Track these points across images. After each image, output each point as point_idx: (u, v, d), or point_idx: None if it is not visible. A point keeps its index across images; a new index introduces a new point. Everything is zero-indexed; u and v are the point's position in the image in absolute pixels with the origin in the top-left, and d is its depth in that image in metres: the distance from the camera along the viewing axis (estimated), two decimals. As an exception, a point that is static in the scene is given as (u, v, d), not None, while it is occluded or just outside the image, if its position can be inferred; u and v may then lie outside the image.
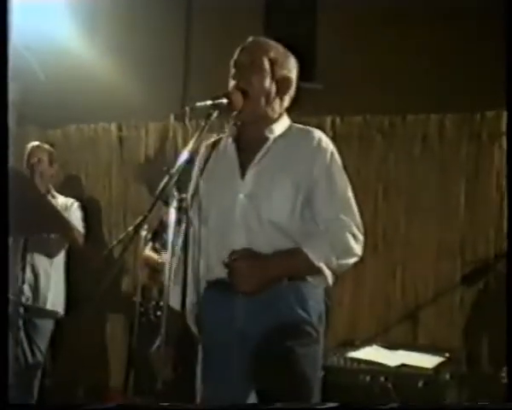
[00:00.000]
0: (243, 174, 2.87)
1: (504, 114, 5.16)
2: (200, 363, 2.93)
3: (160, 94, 6.02)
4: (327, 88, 5.36)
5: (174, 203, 2.59)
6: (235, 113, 2.87)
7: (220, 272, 2.83)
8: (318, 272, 2.80)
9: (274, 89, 2.91)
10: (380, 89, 5.29)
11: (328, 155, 2.89)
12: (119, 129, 6.01)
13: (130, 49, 5.96)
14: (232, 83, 2.91)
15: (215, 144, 3.03)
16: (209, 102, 2.74)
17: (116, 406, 2.41)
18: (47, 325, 5.08)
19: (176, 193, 2.62)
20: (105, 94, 5.61)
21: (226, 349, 2.84)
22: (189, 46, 6.61)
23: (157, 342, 2.80)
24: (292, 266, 2.82)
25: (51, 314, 5.05)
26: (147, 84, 5.88)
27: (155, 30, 6.00)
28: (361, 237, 2.87)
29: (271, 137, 2.91)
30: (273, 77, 2.90)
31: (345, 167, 2.96)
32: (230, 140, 2.96)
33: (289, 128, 2.96)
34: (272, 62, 2.90)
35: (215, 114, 2.74)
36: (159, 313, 4.53)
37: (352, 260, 2.87)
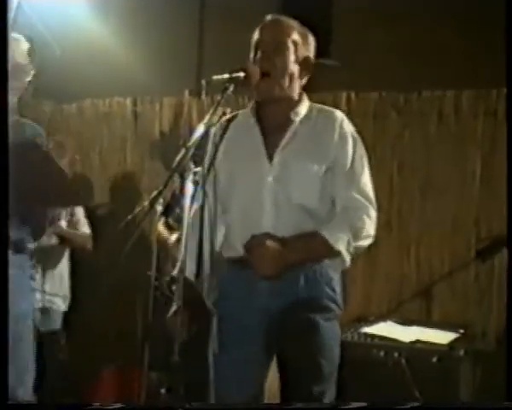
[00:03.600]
0: (271, 157, 2.89)
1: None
2: (216, 336, 2.95)
3: (175, 69, 5.99)
4: (342, 64, 5.31)
5: (190, 177, 2.62)
6: (257, 92, 2.91)
7: (240, 251, 2.88)
8: (337, 254, 2.84)
9: (296, 69, 2.93)
10: (395, 65, 5.25)
11: (350, 139, 2.93)
12: (134, 104, 6.03)
13: (145, 25, 5.93)
14: (253, 63, 2.91)
15: (231, 120, 3.03)
16: (226, 76, 2.76)
17: (118, 407, 2.41)
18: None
19: (192, 167, 2.64)
20: (120, 69, 5.60)
21: (248, 323, 2.88)
22: (203, 21, 6.57)
23: (173, 308, 2.84)
24: (311, 250, 2.86)
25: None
26: (161, 60, 5.86)
27: (170, 5, 5.96)
28: (375, 219, 2.92)
29: (297, 119, 2.94)
30: (296, 58, 2.92)
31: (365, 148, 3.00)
32: (253, 120, 2.98)
33: (311, 109, 2.99)
34: (295, 43, 2.92)
35: (231, 88, 2.75)
36: (174, 287, 4.55)
37: (368, 241, 2.92)
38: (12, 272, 3.14)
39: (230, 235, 2.96)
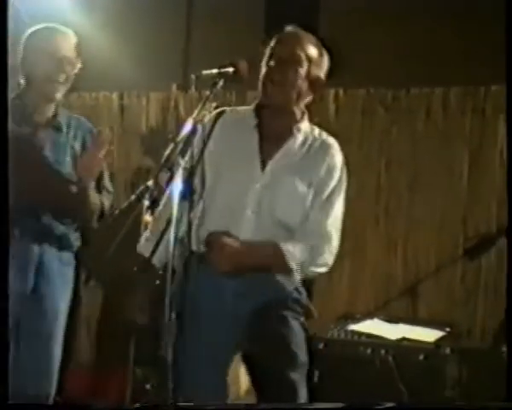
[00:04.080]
0: (264, 165, 2.92)
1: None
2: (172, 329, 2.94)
3: (162, 64, 5.98)
4: (330, 62, 5.30)
5: (179, 171, 2.61)
6: (264, 96, 2.92)
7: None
8: (289, 271, 2.89)
9: (306, 87, 2.95)
10: (383, 62, 5.26)
11: (337, 172, 2.98)
12: (121, 98, 5.99)
13: (131, 20, 5.91)
14: (266, 72, 2.93)
15: (221, 115, 3.02)
16: (215, 71, 2.76)
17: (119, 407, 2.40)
18: None
19: (181, 161, 2.64)
20: (107, 64, 5.57)
21: (213, 317, 2.89)
22: (191, 16, 6.56)
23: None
24: (267, 258, 2.90)
25: None
26: (148, 55, 5.84)
27: (155, 2, 5.95)
28: (336, 252, 2.98)
29: (298, 135, 2.97)
30: (307, 74, 2.93)
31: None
32: (254, 123, 2.98)
33: (310, 131, 3.02)
34: (309, 59, 2.92)
35: (221, 83, 2.75)
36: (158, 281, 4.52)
37: (324, 269, 2.98)
38: (53, 265, 3.13)
39: (203, 231, 2.94)
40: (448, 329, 4.49)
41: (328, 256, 2.94)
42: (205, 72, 2.77)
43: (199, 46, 5.98)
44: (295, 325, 2.93)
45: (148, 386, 4.58)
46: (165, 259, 2.65)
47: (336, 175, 2.97)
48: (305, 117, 3.04)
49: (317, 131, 3.04)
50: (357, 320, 4.62)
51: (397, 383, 4.10)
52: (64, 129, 3.21)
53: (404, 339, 4.31)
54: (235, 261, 2.81)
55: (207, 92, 2.74)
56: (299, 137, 2.97)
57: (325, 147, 2.99)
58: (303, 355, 2.95)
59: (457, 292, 5.14)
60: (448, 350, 4.29)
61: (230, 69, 2.78)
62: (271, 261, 2.89)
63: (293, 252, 2.86)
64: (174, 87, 5.86)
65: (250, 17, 5.35)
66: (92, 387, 5.09)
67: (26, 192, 2.93)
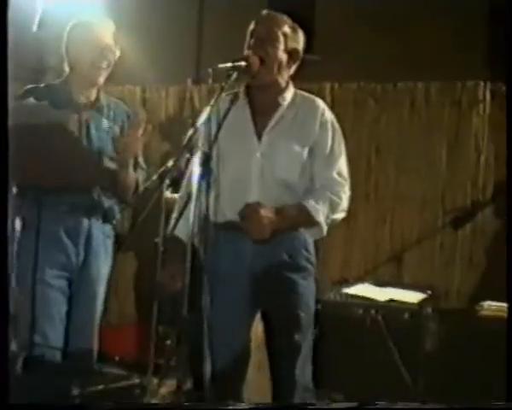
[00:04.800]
0: (259, 136, 2.89)
1: (481, 84, 5.18)
2: (207, 291, 2.93)
3: (178, 62, 5.96)
4: (326, 58, 5.29)
5: (198, 153, 2.58)
6: (251, 76, 2.87)
7: (231, 216, 2.87)
8: (317, 224, 2.88)
9: (285, 59, 2.91)
10: (374, 59, 5.24)
11: (330, 126, 2.95)
12: (143, 91, 5.97)
13: (152, 24, 5.88)
14: (248, 51, 2.89)
15: (232, 101, 3.00)
16: (229, 65, 2.75)
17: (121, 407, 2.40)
18: None
19: (200, 144, 2.63)
20: (130, 62, 5.54)
21: (234, 279, 2.89)
22: (202, 20, 6.53)
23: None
24: (296, 219, 2.87)
25: None
26: (166, 55, 5.81)
27: (170, 6, 5.91)
28: (349, 196, 2.96)
29: (284, 104, 2.93)
30: (285, 48, 2.90)
31: (343, 131, 3.00)
32: (244, 102, 2.95)
33: (295, 96, 2.98)
34: (285, 35, 2.90)
35: (234, 76, 2.74)
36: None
37: (342, 215, 2.98)
38: (98, 237, 3.10)
39: (220, 202, 2.92)
40: (429, 291, 4.49)
41: (344, 202, 2.93)
42: (220, 65, 2.75)
43: (210, 47, 5.96)
44: (303, 286, 2.92)
45: (168, 342, 4.56)
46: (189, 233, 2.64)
47: (330, 129, 2.94)
48: (290, 86, 2.99)
49: (303, 94, 3.01)
50: (350, 284, 4.62)
51: (385, 339, 4.11)
52: (105, 111, 3.17)
53: (391, 300, 4.31)
54: (271, 229, 2.78)
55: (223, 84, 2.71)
56: (286, 105, 2.93)
57: (314, 108, 2.96)
58: (308, 317, 2.95)
59: (437, 260, 5.14)
60: (429, 310, 4.31)
61: (243, 63, 2.78)
62: (300, 220, 2.87)
63: (316, 206, 2.84)
64: (189, 82, 5.87)
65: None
66: (122, 343, 5.10)
67: (72, 171, 2.90)
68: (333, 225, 2.97)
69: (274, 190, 2.86)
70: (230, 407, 2.61)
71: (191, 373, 3.98)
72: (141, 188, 3.16)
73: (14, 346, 2.86)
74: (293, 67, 2.98)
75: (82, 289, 3.11)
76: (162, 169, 2.62)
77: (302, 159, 2.88)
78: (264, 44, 2.86)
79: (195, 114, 2.86)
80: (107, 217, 3.12)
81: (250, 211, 2.79)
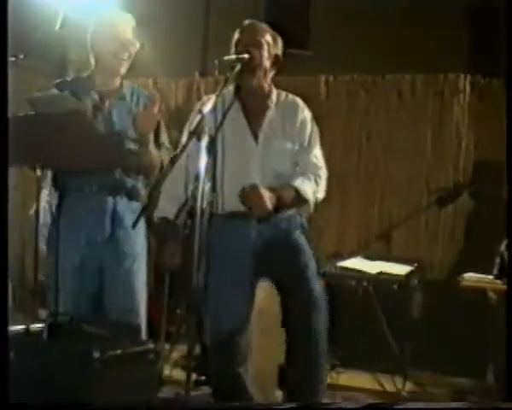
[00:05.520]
0: (256, 136, 2.89)
1: (462, 77, 5.14)
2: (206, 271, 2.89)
3: (186, 57, 5.90)
4: (321, 53, 5.23)
5: (205, 138, 2.54)
6: (241, 81, 2.85)
7: (233, 207, 2.84)
8: (306, 202, 2.88)
9: (269, 64, 2.90)
10: (365, 54, 5.19)
11: (309, 122, 2.97)
12: (155, 82, 5.90)
13: (162, 22, 5.79)
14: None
15: (238, 91, 2.95)
16: (234, 57, 2.73)
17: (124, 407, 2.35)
18: None
19: (207, 130, 2.59)
20: (143, 55, 5.44)
21: (237, 256, 2.85)
22: (209, 18, 6.46)
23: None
24: (290, 197, 2.86)
25: None
26: (176, 50, 5.73)
27: (178, 5, 5.83)
28: (325, 177, 2.98)
29: (272, 105, 2.93)
30: (268, 55, 2.88)
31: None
32: (237, 105, 2.91)
33: (279, 96, 2.98)
34: (268, 43, 2.88)
35: (238, 67, 2.71)
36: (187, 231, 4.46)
37: (323, 194, 2.97)
38: (125, 214, 3.04)
39: (224, 193, 2.87)
40: (415, 264, 4.47)
41: (324, 183, 2.96)
42: (226, 57, 2.73)
43: (215, 42, 5.89)
44: (304, 244, 2.92)
45: (178, 311, 4.52)
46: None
47: (309, 125, 2.97)
48: (273, 88, 2.98)
49: (283, 94, 3.00)
50: (344, 258, 4.59)
51: (375, 307, 4.09)
52: (128, 98, 3.11)
53: (381, 273, 4.31)
54: (271, 205, 2.76)
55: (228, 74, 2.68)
56: (273, 108, 2.94)
57: (294, 107, 2.97)
58: (311, 267, 2.92)
59: (422, 236, 5.10)
60: (416, 281, 4.33)
61: (246, 56, 2.75)
62: (293, 199, 2.86)
63: (304, 186, 2.85)
64: (197, 74, 5.82)
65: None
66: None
67: (90, 156, 2.84)
68: (330, 200, 2.98)
69: (272, 181, 2.85)
70: (231, 408, 2.56)
71: (199, 340, 3.97)
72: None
73: (42, 315, 2.84)
74: (274, 71, 2.97)
75: (114, 266, 3.01)
76: (176, 152, 2.65)
77: (291, 151, 2.91)
78: (250, 53, 2.82)
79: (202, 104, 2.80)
80: (132, 195, 3.04)
81: (249, 191, 2.77)
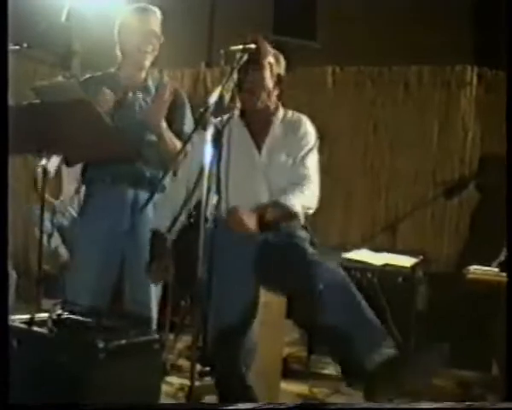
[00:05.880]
0: (260, 150, 2.89)
1: (469, 68, 5.12)
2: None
3: (193, 47, 5.89)
4: (329, 44, 5.21)
5: (211, 128, 2.53)
6: (242, 103, 2.85)
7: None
8: (295, 215, 2.82)
9: (272, 84, 2.89)
10: (371, 45, 5.16)
11: (309, 136, 2.94)
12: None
13: (169, 15, 5.75)
14: (238, 83, 2.80)
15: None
16: (240, 47, 2.68)
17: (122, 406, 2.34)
18: None
19: (212, 119, 2.59)
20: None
21: (241, 258, 2.80)
22: (215, 9, 6.45)
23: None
24: (276, 213, 2.80)
25: None
26: (182, 40, 5.72)
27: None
28: (317, 194, 2.90)
29: (276, 122, 2.94)
30: (271, 75, 2.88)
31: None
32: (242, 125, 2.92)
33: (285, 115, 2.98)
34: (270, 64, 2.87)
35: (245, 57, 2.67)
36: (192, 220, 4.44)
37: (314, 204, 2.90)
38: (149, 208, 3.00)
39: (229, 199, 2.86)
40: (421, 257, 4.44)
41: (315, 192, 2.90)
42: (232, 47, 2.69)
43: (221, 34, 5.88)
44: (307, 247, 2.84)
45: (182, 302, 4.52)
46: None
47: (310, 138, 2.94)
48: (279, 106, 2.99)
49: (290, 113, 3.00)
50: (348, 250, 4.57)
51: (380, 299, 4.07)
52: (152, 90, 3.10)
53: (386, 265, 4.29)
54: (253, 224, 2.73)
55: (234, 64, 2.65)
56: (277, 124, 2.94)
57: (298, 123, 2.96)
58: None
59: (428, 228, 5.10)
60: (421, 273, 4.30)
61: (252, 46, 2.70)
62: (280, 214, 2.81)
63: (291, 199, 2.80)
64: (203, 65, 5.82)
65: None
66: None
67: (96, 145, 2.84)
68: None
69: (274, 192, 2.85)
70: (231, 408, 2.54)
71: (204, 330, 3.96)
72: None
73: (48, 304, 2.83)
74: (279, 90, 2.95)
75: (133, 257, 3.01)
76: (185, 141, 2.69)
77: (290, 165, 2.90)
78: (252, 74, 2.82)
79: (207, 94, 2.80)
80: (153, 186, 3.02)
81: (229, 213, 2.77)
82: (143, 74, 3.11)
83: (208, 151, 2.51)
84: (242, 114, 2.94)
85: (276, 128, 2.94)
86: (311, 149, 2.95)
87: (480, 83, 5.12)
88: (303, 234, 2.92)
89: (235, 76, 2.79)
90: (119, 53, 3.11)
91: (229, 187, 2.85)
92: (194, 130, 2.52)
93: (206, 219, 2.56)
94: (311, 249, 2.86)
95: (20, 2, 2.33)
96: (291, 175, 2.89)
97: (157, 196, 2.95)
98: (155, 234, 2.87)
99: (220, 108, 2.74)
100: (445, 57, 5.23)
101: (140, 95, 3.08)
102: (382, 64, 5.28)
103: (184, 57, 5.80)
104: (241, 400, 2.79)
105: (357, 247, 4.66)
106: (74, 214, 4.51)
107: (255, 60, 2.82)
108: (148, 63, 3.09)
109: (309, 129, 2.97)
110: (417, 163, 5.15)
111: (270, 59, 2.88)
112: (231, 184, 2.85)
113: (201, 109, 2.51)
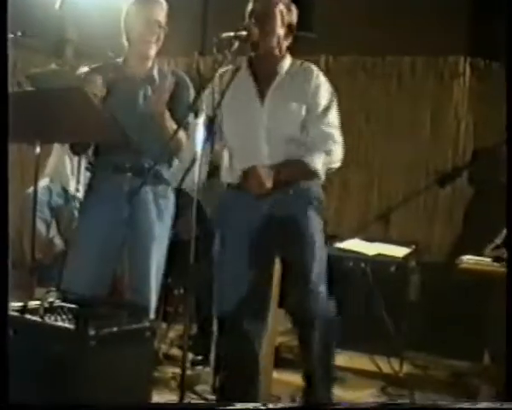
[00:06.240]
0: (262, 100, 2.86)
1: (462, 59, 5.12)
2: (218, 244, 2.88)
3: (187, 36, 5.86)
4: (323, 34, 5.20)
5: (202, 115, 2.57)
6: (251, 45, 2.81)
7: (238, 178, 2.83)
8: (316, 174, 2.83)
9: (282, 32, 2.89)
10: (365, 35, 5.14)
11: (323, 88, 2.90)
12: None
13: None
14: (250, 28, 2.79)
15: (234, 72, 2.92)
16: (232, 34, 2.69)
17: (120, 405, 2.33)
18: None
19: (204, 107, 2.65)
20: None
21: (246, 230, 2.81)
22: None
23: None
24: (295, 173, 2.83)
25: None
26: (176, 28, 5.65)
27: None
28: (341, 144, 2.89)
29: (282, 71, 2.91)
30: (282, 23, 2.87)
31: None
32: (248, 72, 2.91)
33: (293, 64, 2.95)
34: (281, 12, 2.87)
35: (236, 45, 2.68)
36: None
37: (337, 164, 2.90)
38: (147, 196, 3.00)
39: (233, 164, 2.89)
40: (413, 246, 4.46)
41: (338, 151, 2.88)
42: (224, 34, 2.69)
43: (214, 23, 5.87)
44: (313, 219, 2.86)
45: (175, 292, 4.51)
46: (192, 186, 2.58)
47: (323, 92, 2.90)
48: (287, 56, 2.96)
49: (298, 62, 2.97)
50: (342, 240, 4.57)
51: (373, 288, 4.08)
52: (157, 81, 3.08)
53: (379, 254, 4.31)
54: (267, 184, 2.74)
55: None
56: (284, 72, 2.91)
57: (308, 72, 2.92)
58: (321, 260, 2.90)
59: (420, 218, 5.11)
60: (413, 263, 4.33)
61: (243, 33, 2.72)
62: (300, 173, 2.83)
63: (312, 157, 2.80)
64: (196, 54, 5.82)
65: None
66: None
67: (90, 132, 2.83)
68: (329, 173, 2.90)
69: (281, 145, 2.83)
70: (229, 408, 2.53)
71: (197, 320, 3.95)
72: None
73: (40, 293, 2.81)
74: (289, 40, 2.95)
75: (133, 245, 3.03)
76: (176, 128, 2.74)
77: (301, 116, 2.86)
78: (263, 21, 2.82)
79: (200, 83, 2.79)
80: (156, 177, 3.01)
81: (247, 171, 2.77)
82: (149, 64, 3.10)
83: (200, 139, 2.52)
84: (250, 64, 2.92)
85: (283, 77, 2.90)
86: (330, 105, 2.91)
87: (472, 73, 5.12)
88: (315, 194, 2.89)
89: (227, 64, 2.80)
90: (125, 42, 3.11)
91: (233, 144, 2.87)
92: (186, 116, 2.51)
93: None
94: (315, 224, 2.86)
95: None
96: (313, 132, 2.85)
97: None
98: (179, 192, 2.92)
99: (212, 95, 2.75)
100: (438, 48, 5.21)
101: (144, 85, 3.07)
102: (375, 54, 5.26)
103: (178, 46, 5.77)
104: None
105: (350, 236, 4.67)
106: (71, 192, 4.48)
107: (265, 7, 2.84)
108: (153, 53, 3.08)
109: (322, 80, 2.92)
110: (410, 153, 5.15)
111: (281, 7, 2.88)
112: (234, 139, 2.87)
113: (194, 97, 2.52)
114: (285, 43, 2.92)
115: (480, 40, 5.27)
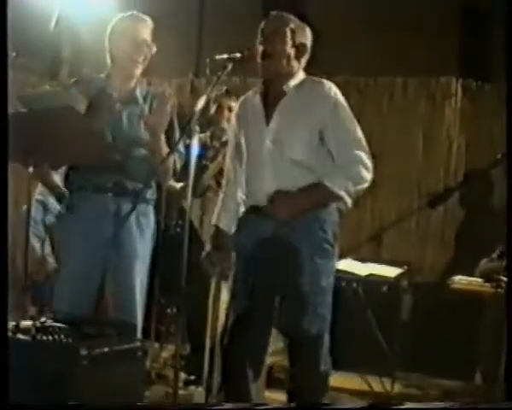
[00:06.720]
0: (268, 123, 2.79)
1: (453, 80, 5.15)
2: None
3: (180, 57, 5.89)
4: (315, 54, 5.22)
5: (195, 137, 2.56)
6: (260, 70, 2.80)
7: (251, 201, 2.83)
8: (340, 198, 2.72)
9: (293, 53, 2.82)
10: (358, 55, 5.18)
11: (340, 104, 2.80)
12: (149, 84, 5.88)
13: (157, 25, 5.75)
14: (260, 47, 2.79)
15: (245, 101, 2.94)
16: (225, 56, 2.69)
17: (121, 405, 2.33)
18: None
19: (197, 129, 2.62)
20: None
21: (257, 258, 2.75)
22: (203, 21, 6.45)
23: (206, 250, 2.87)
24: (318, 198, 2.74)
25: None
26: (170, 50, 5.68)
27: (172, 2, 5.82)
28: (370, 166, 2.80)
29: (287, 90, 2.80)
30: (293, 43, 2.81)
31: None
32: (258, 96, 2.87)
33: (304, 80, 2.85)
34: (292, 32, 2.81)
35: (230, 67, 2.67)
36: (178, 229, 4.42)
37: (365, 185, 2.79)
38: (133, 218, 2.98)
39: (244, 187, 2.89)
40: (405, 267, 4.46)
41: (366, 173, 2.77)
42: (217, 56, 2.70)
43: (209, 45, 5.89)
44: (322, 265, 2.77)
45: (168, 311, 4.50)
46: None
47: (341, 108, 2.80)
48: (299, 73, 2.86)
49: (310, 80, 2.87)
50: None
51: (365, 309, 4.09)
52: (140, 101, 3.04)
53: (371, 275, 4.32)
54: (292, 213, 2.69)
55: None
56: (292, 91, 2.81)
57: (324, 88, 2.81)
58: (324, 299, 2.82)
59: (412, 238, 5.12)
60: (405, 283, 4.35)
61: (237, 55, 2.70)
62: (322, 198, 2.73)
63: (336, 182, 2.69)
64: (190, 74, 5.83)
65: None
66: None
67: (80, 152, 2.82)
68: (357, 196, 2.79)
69: (287, 171, 2.74)
70: (220, 407, 2.52)
71: (189, 340, 3.95)
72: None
73: (32, 311, 2.80)
74: (303, 60, 2.87)
75: (117, 265, 2.98)
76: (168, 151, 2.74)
77: (313, 139, 2.75)
78: (272, 40, 2.79)
79: (194, 104, 2.80)
80: (137, 197, 2.95)
81: (273, 196, 2.72)
82: (132, 84, 3.05)
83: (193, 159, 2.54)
84: (263, 84, 2.86)
85: (291, 96, 2.80)
86: (350, 118, 2.81)
87: (464, 94, 5.15)
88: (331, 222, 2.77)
89: (221, 86, 2.80)
90: (108, 60, 3.05)
91: (247, 166, 2.84)
92: (179, 139, 2.52)
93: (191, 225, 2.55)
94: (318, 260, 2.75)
95: (9, 10, 2.32)
96: (337, 155, 2.73)
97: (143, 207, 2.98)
98: (216, 228, 2.87)
99: (205, 117, 2.77)
100: (430, 69, 5.25)
101: (128, 106, 3.01)
102: (368, 75, 5.30)
103: (172, 67, 5.80)
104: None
105: (343, 257, 4.66)
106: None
107: (276, 27, 2.80)
108: (138, 72, 3.03)
109: (339, 96, 2.80)
110: (402, 174, 5.17)
111: (292, 26, 2.82)
112: (247, 163, 2.84)
113: (187, 120, 2.52)
114: (296, 64, 2.84)
115: (471, 61, 5.32)
